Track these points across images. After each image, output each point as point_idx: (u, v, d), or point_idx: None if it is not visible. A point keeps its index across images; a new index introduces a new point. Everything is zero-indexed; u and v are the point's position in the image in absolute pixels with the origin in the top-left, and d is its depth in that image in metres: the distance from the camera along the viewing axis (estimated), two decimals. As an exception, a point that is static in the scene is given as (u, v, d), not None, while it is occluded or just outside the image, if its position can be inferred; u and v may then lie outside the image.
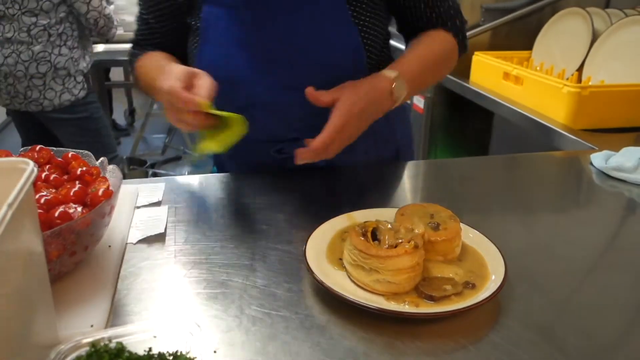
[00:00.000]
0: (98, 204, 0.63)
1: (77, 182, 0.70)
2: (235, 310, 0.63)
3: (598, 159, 1.09)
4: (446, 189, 1.05)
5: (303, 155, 0.80)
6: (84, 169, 0.73)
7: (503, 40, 1.99)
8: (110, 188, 0.70)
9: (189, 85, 0.76)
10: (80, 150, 0.78)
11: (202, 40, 0.93)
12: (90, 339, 0.51)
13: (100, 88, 2.98)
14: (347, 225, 0.77)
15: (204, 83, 0.76)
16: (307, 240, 0.71)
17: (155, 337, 0.54)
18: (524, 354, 0.57)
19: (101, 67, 3.01)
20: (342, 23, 0.91)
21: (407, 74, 0.88)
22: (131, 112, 4.77)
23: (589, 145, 1.29)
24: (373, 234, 0.67)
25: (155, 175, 3.00)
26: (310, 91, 0.81)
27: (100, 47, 2.93)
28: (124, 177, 2.58)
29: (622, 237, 0.86)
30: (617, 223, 0.91)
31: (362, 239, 0.65)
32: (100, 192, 0.66)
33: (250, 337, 0.58)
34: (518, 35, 1.99)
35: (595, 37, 1.61)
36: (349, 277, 0.67)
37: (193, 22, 0.95)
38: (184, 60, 1.00)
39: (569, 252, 0.79)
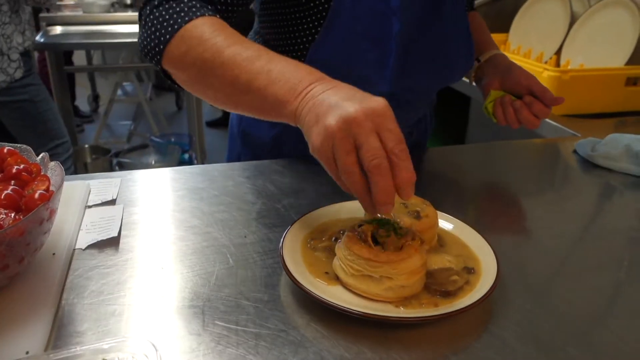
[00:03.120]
0: (34, 209, 0.54)
1: (12, 182, 0.61)
2: (197, 326, 0.55)
3: (583, 146, 1.05)
4: (422, 179, 0.99)
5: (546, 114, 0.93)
6: (21, 166, 0.63)
7: (479, 23, 1.94)
8: (51, 188, 0.61)
9: None
10: (18, 145, 0.69)
11: (328, 25, 0.81)
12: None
13: (59, 72, 2.82)
14: (310, 231, 0.69)
15: None
16: (281, 254, 0.62)
17: (104, 360, 0.47)
18: (520, 370, 0.51)
19: (60, 50, 2.84)
20: (466, 27, 0.95)
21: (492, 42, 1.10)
22: (95, 98, 4.57)
23: (570, 131, 1.25)
24: (372, 237, 0.60)
25: (119, 164, 2.87)
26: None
27: (57, 30, 2.77)
28: (86, 167, 2.41)
29: (612, 228, 0.81)
30: (605, 213, 0.87)
31: (365, 245, 0.58)
32: (36, 195, 0.57)
33: (215, 357, 0.51)
34: (495, 17, 1.93)
35: (573, 19, 1.56)
36: (346, 289, 0.60)
37: (318, 3, 0.82)
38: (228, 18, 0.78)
39: (558, 247, 0.74)
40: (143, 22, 0.75)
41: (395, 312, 0.56)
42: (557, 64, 1.54)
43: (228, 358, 0.51)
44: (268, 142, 1.01)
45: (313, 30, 0.83)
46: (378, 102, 0.56)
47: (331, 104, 0.56)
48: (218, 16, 0.73)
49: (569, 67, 1.44)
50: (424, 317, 0.55)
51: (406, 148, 0.54)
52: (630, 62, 1.39)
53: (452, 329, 0.56)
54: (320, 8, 0.82)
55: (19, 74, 2.03)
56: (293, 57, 0.79)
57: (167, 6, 0.72)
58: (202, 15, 0.70)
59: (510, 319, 0.58)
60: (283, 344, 0.53)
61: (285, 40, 0.87)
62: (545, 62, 1.56)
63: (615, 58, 1.42)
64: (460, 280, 0.59)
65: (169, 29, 0.70)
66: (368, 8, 0.82)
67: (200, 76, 0.69)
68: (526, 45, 1.67)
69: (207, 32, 0.68)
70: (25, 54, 2.07)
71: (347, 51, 0.83)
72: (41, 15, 2.73)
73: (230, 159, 1.10)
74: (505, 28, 1.81)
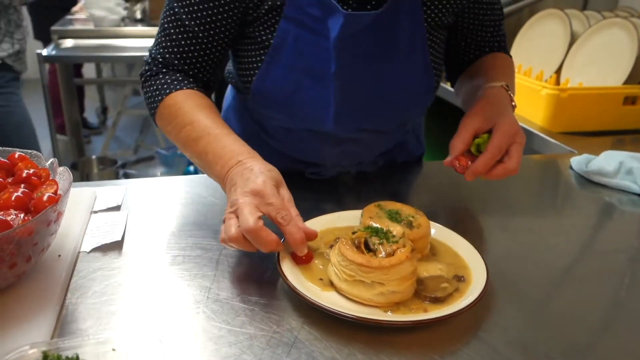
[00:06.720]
0: (42, 210, 0.57)
1: (22, 185, 0.63)
2: (194, 327, 0.57)
3: (578, 162, 1.07)
4: (421, 192, 1.01)
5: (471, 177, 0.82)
6: (31, 171, 0.66)
7: (481, 41, 1.97)
8: (59, 192, 0.64)
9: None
10: (29, 150, 0.71)
11: (270, 58, 0.83)
12: (41, 348, 0.46)
13: (69, 84, 2.87)
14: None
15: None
16: (278, 261, 0.65)
17: (114, 349, 0.50)
18: (506, 374, 0.53)
19: (70, 63, 2.90)
20: (422, 67, 0.89)
21: (505, 80, 0.92)
22: (103, 110, 4.63)
23: (568, 148, 1.26)
24: (365, 244, 0.62)
25: (126, 175, 2.91)
26: (450, 161, 0.83)
27: (68, 43, 2.83)
28: (92, 178, 2.40)
29: (604, 243, 0.83)
30: (598, 229, 0.88)
31: (358, 251, 0.60)
32: (45, 197, 0.59)
33: (210, 356, 0.53)
34: (496, 37, 1.96)
35: (573, 39, 1.59)
36: (340, 294, 0.62)
37: (261, 35, 0.83)
38: (206, 84, 0.88)
39: (551, 260, 0.76)
40: (143, 90, 0.88)
41: (385, 316, 0.58)
42: (557, 83, 1.57)
43: (223, 356, 0.53)
44: None
45: (255, 65, 0.85)
46: (256, 184, 0.66)
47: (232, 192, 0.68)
48: (195, 87, 0.84)
49: (568, 86, 1.47)
50: (414, 321, 0.57)
51: (289, 214, 0.65)
52: (628, 81, 1.41)
53: (442, 334, 0.58)
54: (266, 43, 0.83)
55: None
56: (243, 88, 0.91)
57: (156, 78, 0.85)
58: (180, 89, 0.82)
59: (499, 326, 0.60)
60: (277, 344, 0.55)
61: (237, 71, 0.91)
62: (545, 81, 1.58)
63: (614, 77, 1.44)
64: (450, 287, 0.61)
65: (155, 100, 0.84)
66: (311, 44, 0.81)
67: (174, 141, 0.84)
68: (527, 64, 1.70)
69: (175, 108, 0.80)
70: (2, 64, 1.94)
71: (289, 86, 0.84)
72: (53, 28, 2.79)
73: None
74: (506, 47, 1.84)
